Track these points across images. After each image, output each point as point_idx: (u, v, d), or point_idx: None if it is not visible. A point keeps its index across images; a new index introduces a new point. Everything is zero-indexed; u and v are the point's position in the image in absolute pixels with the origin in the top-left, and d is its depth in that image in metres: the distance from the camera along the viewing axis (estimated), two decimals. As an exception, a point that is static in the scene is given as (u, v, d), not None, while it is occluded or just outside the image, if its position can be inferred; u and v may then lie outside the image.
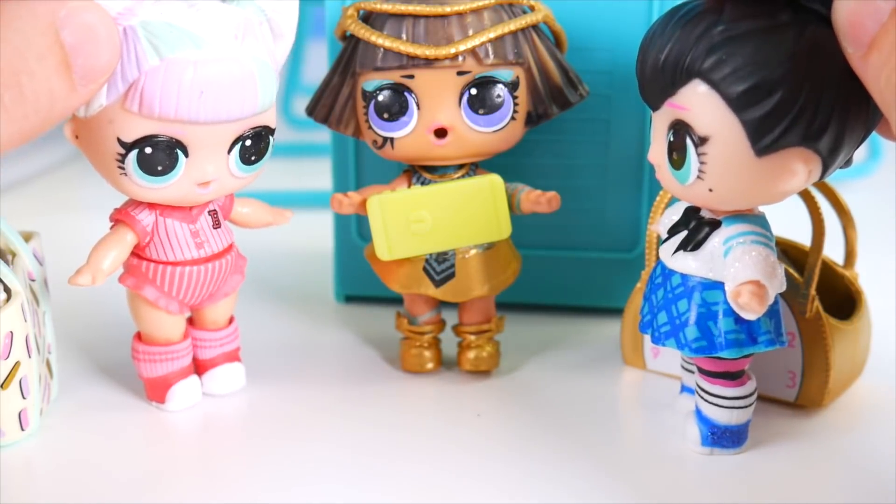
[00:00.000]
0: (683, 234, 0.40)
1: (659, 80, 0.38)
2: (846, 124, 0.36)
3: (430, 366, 0.48)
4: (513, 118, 0.45)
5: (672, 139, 0.38)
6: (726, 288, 0.38)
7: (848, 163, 0.39)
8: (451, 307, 0.48)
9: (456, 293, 0.47)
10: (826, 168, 0.37)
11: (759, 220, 0.39)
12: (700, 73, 0.36)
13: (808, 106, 0.35)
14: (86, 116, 0.39)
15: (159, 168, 0.40)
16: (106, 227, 0.43)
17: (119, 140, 0.39)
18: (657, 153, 0.39)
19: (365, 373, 0.49)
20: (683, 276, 0.40)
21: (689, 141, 0.37)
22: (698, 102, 0.37)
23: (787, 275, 0.44)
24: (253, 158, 0.42)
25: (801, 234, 0.47)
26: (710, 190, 0.38)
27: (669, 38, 0.37)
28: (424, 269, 0.46)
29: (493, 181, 0.45)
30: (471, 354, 0.48)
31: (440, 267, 0.46)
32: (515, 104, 0.44)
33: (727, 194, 0.38)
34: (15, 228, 0.44)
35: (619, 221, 0.53)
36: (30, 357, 0.42)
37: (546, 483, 0.40)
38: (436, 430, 0.44)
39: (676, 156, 0.38)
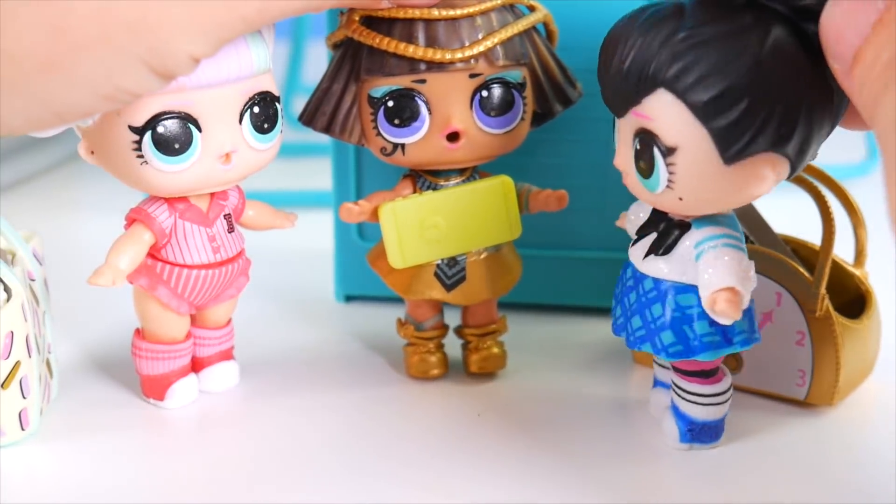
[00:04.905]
0: (653, 236, 0.40)
1: (622, 89, 0.37)
2: (813, 125, 0.36)
3: (435, 371, 0.48)
4: (522, 118, 0.44)
5: (638, 147, 0.38)
6: (701, 295, 0.38)
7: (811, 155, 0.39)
8: (453, 309, 0.48)
9: (466, 296, 0.46)
10: (794, 169, 0.37)
11: (729, 221, 0.39)
12: (664, 83, 0.36)
13: (775, 112, 0.35)
14: (94, 122, 0.40)
15: (176, 146, 0.40)
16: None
17: (130, 127, 0.40)
18: (623, 160, 0.39)
19: (365, 372, 0.49)
20: (656, 280, 0.40)
21: (656, 151, 0.37)
22: (664, 112, 0.36)
23: (798, 274, 0.44)
24: (266, 126, 0.42)
25: (810, 233, 0.47)
26: (680, 199, 0.38)
27: (632, 46, 0.36)
28: (436, 274, 0.46)
29: (505, 182, 0.45)
30: (477, 356, 0.48)
31: (451, 271, 0.46)
32: (524, 104, 0.44)
33: (697, 202, 0.38)
34: (15, 228, 0.44)
35: (619, 221, 0.53)
36: (30, 357, 0.42)
37: (553, 483, 0.40)
38: (436, 429, 0.44)
39: (644, 164, 0.38)
